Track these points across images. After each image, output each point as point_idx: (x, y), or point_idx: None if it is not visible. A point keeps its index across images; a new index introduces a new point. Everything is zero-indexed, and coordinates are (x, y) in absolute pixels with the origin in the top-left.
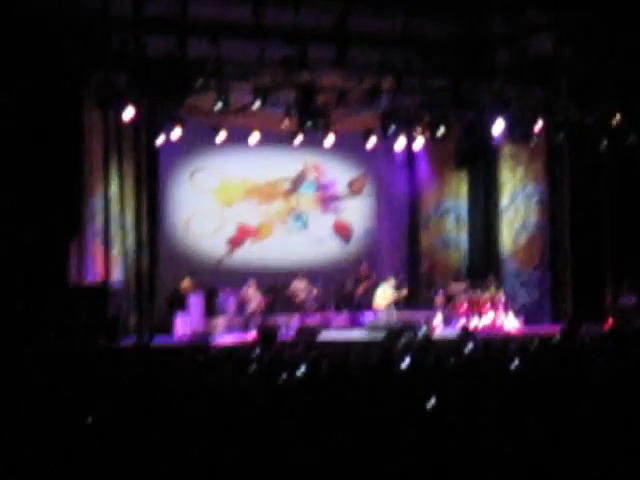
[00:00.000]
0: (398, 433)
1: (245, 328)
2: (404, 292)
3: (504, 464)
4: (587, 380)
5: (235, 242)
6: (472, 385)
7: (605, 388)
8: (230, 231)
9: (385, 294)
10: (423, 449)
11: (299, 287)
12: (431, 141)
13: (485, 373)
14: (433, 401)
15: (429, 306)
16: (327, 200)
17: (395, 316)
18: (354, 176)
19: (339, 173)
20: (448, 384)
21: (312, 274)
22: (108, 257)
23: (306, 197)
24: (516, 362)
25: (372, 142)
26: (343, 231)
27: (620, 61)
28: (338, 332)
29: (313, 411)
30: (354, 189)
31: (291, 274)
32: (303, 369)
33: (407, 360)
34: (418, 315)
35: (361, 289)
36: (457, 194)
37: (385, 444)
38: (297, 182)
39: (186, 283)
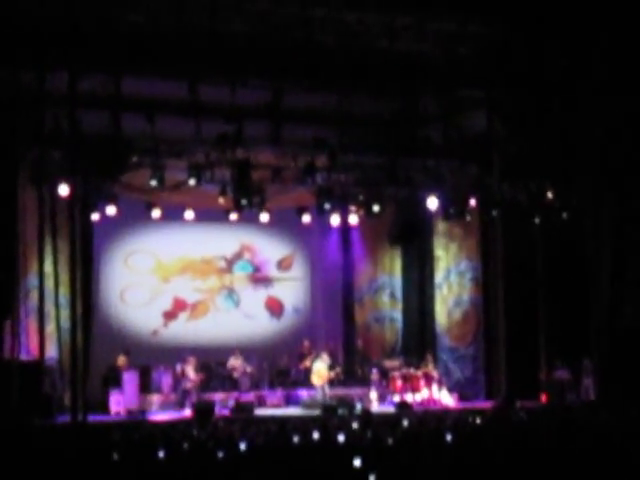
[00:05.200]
0: None
1: (180, 405)
2: (338, 371)
3: None
4: (524, 453)
5: (170, 315)
6: (410, 459)
7: (542, 460)
8: (165, 304)
9: (320, 372)
10: None
11: (236, 364)
12: (365, 218)
13: (423, 447)
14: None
15: (364, 382)
16: (260, 278)
17: (328, 394)
18: (283, 255)
19: (272, 251)
20: (388, 458)
21: (245, 351)
22: (43, 334)
23: (240, 277)
24: (451, 436)
25: (307, 219)
26: (274, 307)
27: (551, 139)
28: (274, 410)
29: None
30: (283, 266)
31: (225, 351)
32: (243, 445)
33: (344, 435)
34: (353, 391)
35: (303, 365)
36: (391, 270)
37: None
38: (232, 261)
39: (121, 360)
